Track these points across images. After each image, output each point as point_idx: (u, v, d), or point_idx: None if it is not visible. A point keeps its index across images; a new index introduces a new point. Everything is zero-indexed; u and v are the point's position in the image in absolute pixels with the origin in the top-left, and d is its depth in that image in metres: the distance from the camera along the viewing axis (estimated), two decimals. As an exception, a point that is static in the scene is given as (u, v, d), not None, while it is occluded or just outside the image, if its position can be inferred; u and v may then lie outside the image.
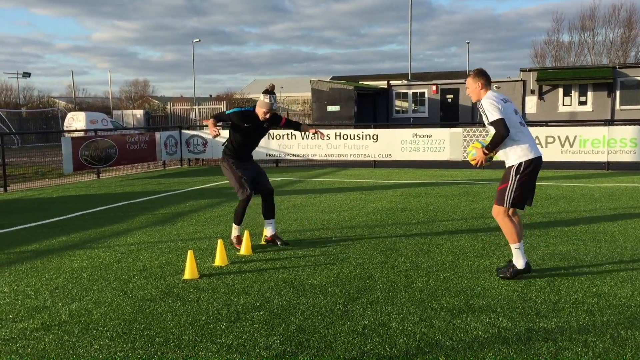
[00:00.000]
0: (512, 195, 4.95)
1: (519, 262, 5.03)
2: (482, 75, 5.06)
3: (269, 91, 6.23)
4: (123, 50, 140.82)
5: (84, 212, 9.40)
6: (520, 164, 4.91)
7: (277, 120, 6.58)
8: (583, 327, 4.04)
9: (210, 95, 75.29)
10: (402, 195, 10.53)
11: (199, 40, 53.97)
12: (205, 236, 7.28)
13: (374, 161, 16.12)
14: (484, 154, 4.99)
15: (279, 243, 6.59)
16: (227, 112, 6.35)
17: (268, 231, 6.67)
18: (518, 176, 4.92)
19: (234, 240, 6.54)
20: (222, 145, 6.69)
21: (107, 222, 8.40)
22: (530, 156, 4.92)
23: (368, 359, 3.61)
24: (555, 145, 14.26)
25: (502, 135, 4.79)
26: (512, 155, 4.95)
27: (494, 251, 6.19)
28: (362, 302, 4.66)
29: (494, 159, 5.29)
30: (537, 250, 6.17)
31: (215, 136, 6.09)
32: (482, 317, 4.26)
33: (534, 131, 14.52)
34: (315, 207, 9.32)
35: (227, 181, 13.61)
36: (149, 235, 7.45)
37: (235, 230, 6.56)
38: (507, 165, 5.03)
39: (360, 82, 34.02)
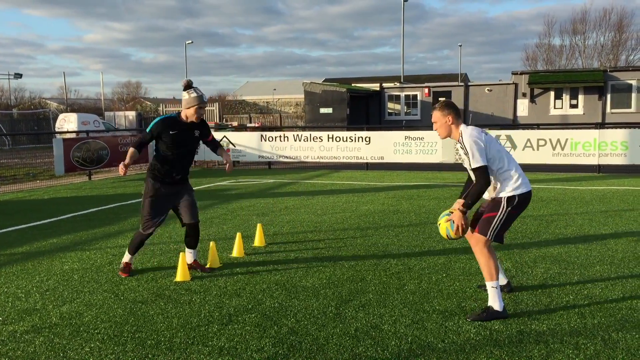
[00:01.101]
0: (498, 227, 4.46)
1: (495, 304, 4.34)
2: (451, 108, 4.50)
3: (191, 85, 5.43)
4: (115, 51, 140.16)
5: (76, 213, 9.36)
6: (514, 196, 4.43)
7: (206, 132, 5.79)
8: (574, 329, 4.05)
9: (203, 97, 75.08)
10: (394, 197, 10.54)
11: (192, 42, 54.04)
12: (198, 238, 7.26)
13: (367, 163, 16.14)
14: (463, 212, 4.39)
15: (199, 270, 5.77)
16: (148, 128, 5.50)
17: (188, 258, 5.82)
18: (510, 208, 4.45)
19: (122, 266, 5.67)
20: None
21: (99, 224, 8.36)
22: (526, 189, 4.47)
23: (360, 362, 3.61)
24: (547, 148, 14.34)
25: (483, 186, 4.30)
26: (507, 187, 4.45)
27: (486, 253, 6.20)
28: (355, 304, 4.66)
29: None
30: (528, 252, 6.19)
31: (124, 174, 5.29)
32: (474, 319, 4.27)
33: (525, 134, 14.64)
34: (307, 209, 9.31)
35: (219, 183, 13.63)
36: (140, 237, 7.41)
37: (126, 257, 5.69)
38: (498, 195, 4.48)
39: (352, 85, 34.04)
